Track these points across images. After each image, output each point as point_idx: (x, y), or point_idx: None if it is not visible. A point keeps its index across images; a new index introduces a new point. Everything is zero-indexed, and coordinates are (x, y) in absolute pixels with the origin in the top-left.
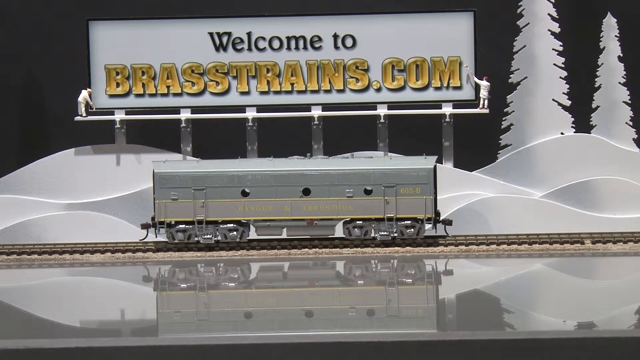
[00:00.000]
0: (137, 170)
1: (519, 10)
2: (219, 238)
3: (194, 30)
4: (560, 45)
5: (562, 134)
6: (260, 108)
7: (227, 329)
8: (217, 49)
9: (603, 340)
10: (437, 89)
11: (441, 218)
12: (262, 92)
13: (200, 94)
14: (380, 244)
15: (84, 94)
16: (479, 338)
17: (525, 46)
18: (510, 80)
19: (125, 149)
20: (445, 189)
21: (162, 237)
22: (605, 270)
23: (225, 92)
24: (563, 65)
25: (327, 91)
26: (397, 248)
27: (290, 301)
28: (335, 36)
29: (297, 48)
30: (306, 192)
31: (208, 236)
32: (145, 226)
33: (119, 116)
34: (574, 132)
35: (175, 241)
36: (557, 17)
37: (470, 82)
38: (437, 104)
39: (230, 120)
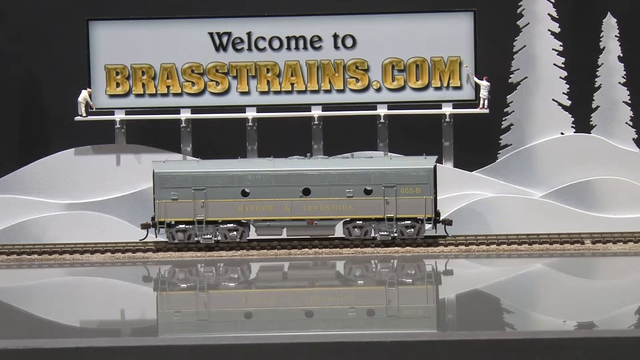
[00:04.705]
0: (137, 170)
1: (519, 10)
2: (219, 238)
3: (194, 30)
4: (560, 45)
5: (562, 134)
6: (260, 108)
7: (227, 329)
8: (217, 49)
9: (603, 340)
10: (437, 89)
11: (441, 218)
12: (262, 92)
13: (200, 94)
14: (380, 244)
15: (84, 94)
16: (479, 338)
17: (525, 46)
18: (510, 80)
19: (125, 149)
20: (445, 189)
21: (162, 237)
22: (605, 270)
23: (225, 92)
24: (563, 65)
25: (327, 91)
26: (397, 248)
27: (290, 301)
28: (335, 36)
29: (297, 48)
30: (306, 192)
31: (208, 236)
32: (145, 226)
33: (119, 116)
34: (574, 132)
35: (175, 241)
36: (557, 17)
37: (470, 82)
38: (437, 104)
39: (230, 120)
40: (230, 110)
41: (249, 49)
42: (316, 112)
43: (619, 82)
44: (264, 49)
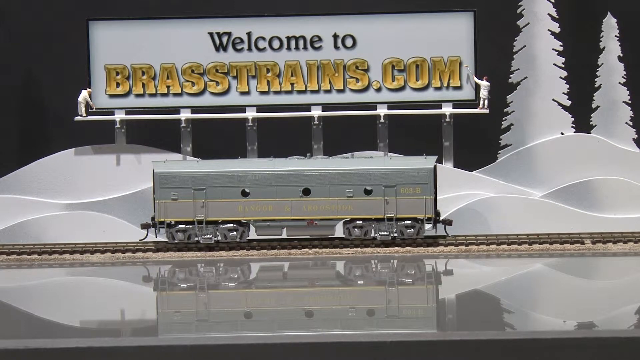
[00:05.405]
0: (137, 170)
1: (519, 10)
2: (219, 238)
3: (194, 30)
4: (560, 45)
5: (562, 134)
6: (260, 108)
7: (227, 329)
8: (217, 49)
9: (603, 340)
10: (437, 89)
11: (441, 218)
12: (262, 92)
13: (200, 94)
14: (380, 244)
15: (84, 94)
16: (479, 338)
17: (525, 46)
18: (510, 80)
19: (125, 149)
20: (445, 189)
21: (162, 237)
22: (605, 270)
23: (225, 92)
24: (563, 65)
25: (327, 91)
26: (397, 248)
27: (290, 301)
28: (335, 36)
29: (297, 48)
30: (306, 192)
31: (208, 236)
32: (145, 226)
33: (119, 116)
34: (574, 132)
35: (175, 241)
36: (557, 17)
37: (470, 82)
38: (437, 104)
39: (230, 120)
40: (230, 110)
41: (249, 49)
42: (316, 112)
43: (619, 82)
44: (264, 49)
